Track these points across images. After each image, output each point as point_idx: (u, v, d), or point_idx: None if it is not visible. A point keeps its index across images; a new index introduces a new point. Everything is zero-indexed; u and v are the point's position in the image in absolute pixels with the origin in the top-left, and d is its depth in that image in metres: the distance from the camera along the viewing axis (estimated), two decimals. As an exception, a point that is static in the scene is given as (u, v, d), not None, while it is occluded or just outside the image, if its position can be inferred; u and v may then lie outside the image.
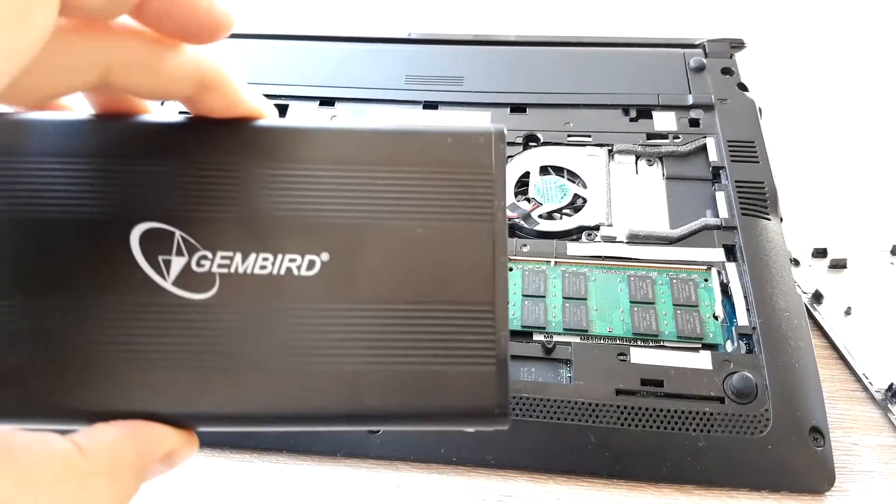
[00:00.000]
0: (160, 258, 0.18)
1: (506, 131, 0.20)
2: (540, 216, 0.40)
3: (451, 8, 0.60)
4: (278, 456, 0.32)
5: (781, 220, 0.39)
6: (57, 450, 0.15)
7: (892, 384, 0.34)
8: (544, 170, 0.42)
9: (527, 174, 0.42)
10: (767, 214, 0.38)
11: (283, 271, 0.18)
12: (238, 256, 0.18)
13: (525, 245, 0.38)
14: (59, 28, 0.16)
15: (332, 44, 0.50)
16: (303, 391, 0.17)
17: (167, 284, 0.18)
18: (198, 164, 0.18)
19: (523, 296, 0.36)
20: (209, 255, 0.18)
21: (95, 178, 0.18)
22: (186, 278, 0.18)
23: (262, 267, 0.18)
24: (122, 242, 0.18)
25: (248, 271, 0.18)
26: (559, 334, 0.34)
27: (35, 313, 0.17)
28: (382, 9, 0.60)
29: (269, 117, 0.19)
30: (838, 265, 0.39)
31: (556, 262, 0.37)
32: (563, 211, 0.40)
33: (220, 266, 0.18)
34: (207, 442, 0.32)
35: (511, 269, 0.37)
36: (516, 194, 0.41)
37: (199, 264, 0.18)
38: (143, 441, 0.17)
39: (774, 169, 0.40)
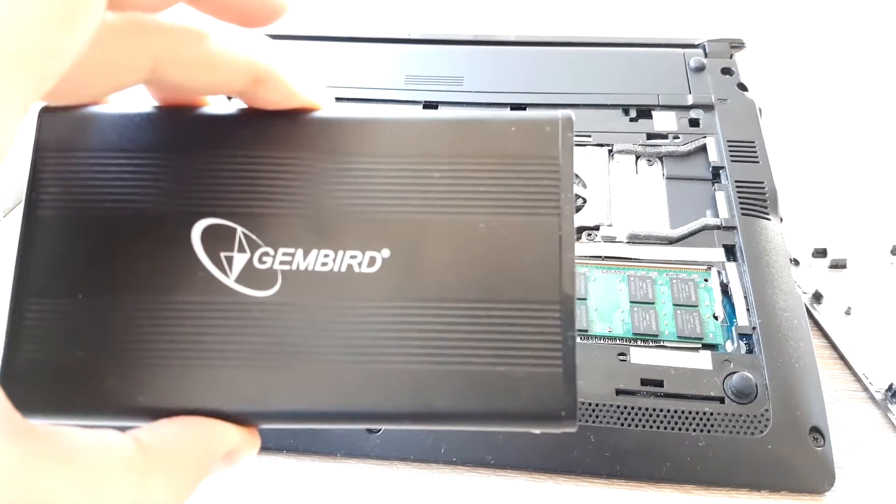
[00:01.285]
0: (222, 255, 0.18)
1: (574, 118, 0.18)
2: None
3: (451, 8, 0.60)
4: (278, 456, 0.32)
5: (781, 220, 0.39)
6: (117, 448, 0.14)
7: (891, 384, 0.34)
8: (544, 170, 0.42)
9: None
10: (767, 214, 0.38)
11: (344, 268, 0.18)
12: (299, 253, 0.18)
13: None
14: (107, 24, 0.15)
15: (331, 44, 0.50)
16: (366, 390, 0.17)
17: (230, 282, 0.17)
18: (256, 159, 0.18)
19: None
20: (271, 251, 0.18)
21: (155, 174, 0.18)
22: (249, 275, 0.17)
23: (324, 264, 0.18)
24: (184, 239, 0.18)
25: (310, 268, 0.18)
26: (559, 334, 0.34)
27: (98, 311, 0.17)
28: (382, 9, 0.60)
29: (326, 108, 0.19)
30: (838, 265, 0.39)
31: (555, 262, 0.37)
32: (563, 211, 0.40)
33: (281, 263, 0.18)
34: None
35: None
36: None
37: (260, 261, 0.18)
38: (205, 438, 0.16)
39: (774, 169, 0.40)
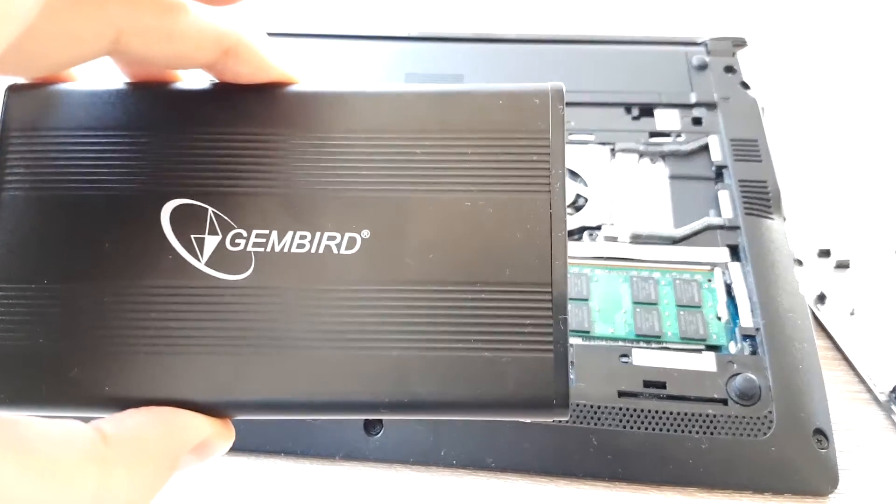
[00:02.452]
0: (192, 237, 0.17)
1: (564, 89, 0.18)
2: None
3: (451, 6, 0.60)
4: (276, 458, 0.32)
5: (785, 219, 0.38)
6: (78, 439, 0.14)
7: (895, 386, 0.34)
8: (545, 169, 0.42)
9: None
10: (771, 214, 0.38)
11: (321, 250, 0.17)
12: (274, 235, 0.17)
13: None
14: None
15: (330, 41, 0.50)
16: (344, 378, 0.16)
17: (200, 265, 0.17)
18: (228, 136, 0.18)
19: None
20: (244, 233, 0.17)
21: (123, 152, 0.17)
22: (220, 258, 0.17)
23: (300, 246, 0.17)
24: (153, 220, 0.17)
25: (285, 250, 0.17)
26: (560, 335, 0.34)
27: (63, 296, 0.17)
28: (382, 6, 0.60)
29: (300, 82, 0.18)
30: (842, 266, 0.39)
31: (557, 262, 0.37)
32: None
33: (255, 245, 0.17)
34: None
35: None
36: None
37: (233, 243, 0.17)
38: (174, 429, 0.16)
39: (777, 168, 0.40)
